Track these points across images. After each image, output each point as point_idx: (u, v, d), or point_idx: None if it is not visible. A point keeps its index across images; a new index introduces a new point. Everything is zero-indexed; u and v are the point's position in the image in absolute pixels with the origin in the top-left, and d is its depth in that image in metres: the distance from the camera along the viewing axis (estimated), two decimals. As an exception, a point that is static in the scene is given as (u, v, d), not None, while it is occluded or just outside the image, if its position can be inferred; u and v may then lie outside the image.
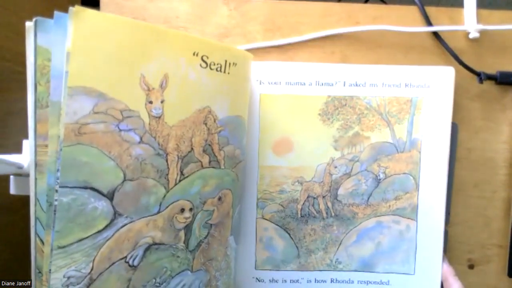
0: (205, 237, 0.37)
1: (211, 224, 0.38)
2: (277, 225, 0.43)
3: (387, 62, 0.44)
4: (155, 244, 0.34)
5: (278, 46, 0.45)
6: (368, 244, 0.43)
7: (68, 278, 0.29)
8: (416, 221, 0.43)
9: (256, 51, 0.44)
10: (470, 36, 0.44)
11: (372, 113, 0.42)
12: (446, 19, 0.45)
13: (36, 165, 0.31)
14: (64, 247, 0.29)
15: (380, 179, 0.43)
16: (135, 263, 0.32)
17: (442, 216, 0.42)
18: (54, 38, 0.30)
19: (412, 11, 0.45)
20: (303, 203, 0.43)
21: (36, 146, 0.31)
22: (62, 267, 0.29)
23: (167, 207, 0.34)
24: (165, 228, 0.34)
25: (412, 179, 0.43)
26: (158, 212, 0.33)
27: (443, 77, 0.42)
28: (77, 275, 0.29)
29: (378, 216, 0.43)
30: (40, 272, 0.31)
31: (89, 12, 0.29)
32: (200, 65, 0.35)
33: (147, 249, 0.33)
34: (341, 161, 0.43)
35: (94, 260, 0.30)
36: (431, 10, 0.44)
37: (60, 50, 0.30)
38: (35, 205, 0.31)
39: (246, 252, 0.43)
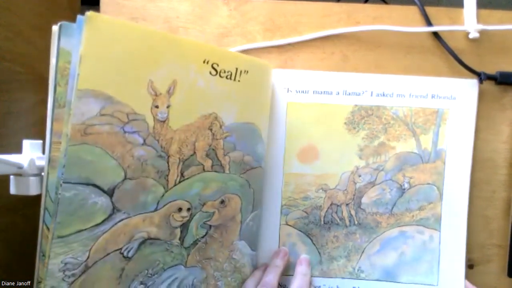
0: (203, 237, 0.38)
1: (210, 225, 0.39)
2: (300, 231, 0.43)
3: (387, 62, 0.44)
4: (150, 238, 0.35)
5: (278, 46, 0.45)
6: (391, 253, 0.43)
7: (65, 264, 0.31)
8: (440, 231, 0.43)
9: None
10: (470, 36, 0.44)
11: (398, 123, 0.43)
12: (446, 19, 0.45)
13: (50, 160, 0.33)
14: (63, 237, 0.31)
15: (404, 189, 0.43)
16: (130, 254, 0.34)
17: (464, 227, 0.43)
18: (76, 41, 0.31)
19: (412, 11, 0.45)
20: (326, 210, 0.43)
21: (51, 143, 0.33)
22: (60, 254, 0.31)
23: (164, 205, 0.35)
24: (161, 225, 0.35)
25: (436, 190, 0.43)
26: (155, 209, 0.35)
27: (468, 89, 0.43)
28: (74, 262, 0.31)
29: (402, 226, 0.43)
30: (43, 256, 0.33)
31: (102, 17, 0.31)
32: (210, 72, 0.36)
33: (142, 242, 0.35)
34: (366, 170, 0.43)
35: (90, 249, 0.32)
36: (431, 10, 0.44)
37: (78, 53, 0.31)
38: (46, 196, 0.33)
39: (268, 257, 0.43)
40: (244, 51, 0.44)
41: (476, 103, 0.43)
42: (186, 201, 0.36)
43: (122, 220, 0.33)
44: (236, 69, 0.38)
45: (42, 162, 0.36)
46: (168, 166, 0.35)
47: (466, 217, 0.43)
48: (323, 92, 0.43)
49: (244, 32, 0.45)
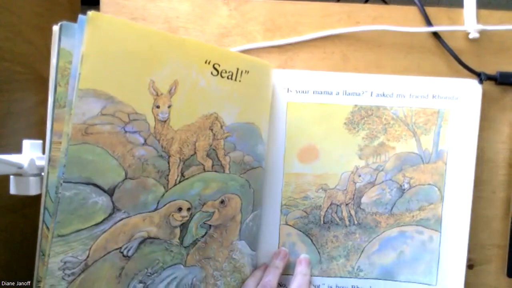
0: (202, 236, 0.38)
1: (210, 225, 0.39)
2: (300, 231, 0.43)
3: (387, 62, 0.44)
4: (150, 238, 0.35)
5: (278, 46, 0.45)
6: (390, 253, 0.43)
7: (65, 263, 0.31)
8: (440, 232, 0.43)
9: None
10: (470, 36, 0.44)
11: (398, 124, 0.43)
12: (446, 19, 0.45)
13: (50, 160, 0.33)
14: (63, 236, 0.31)
15: (404, 189, 0.43)
16: (129, 253, 0.34)
17: (467, 229, 0.43)
18: (77, 41, 0.31)
19: (412, 11, 0.45)
20: (326, 210, 0.43)
21: (51, 143, 0.33)
22: (60, 253, 0.31)
23: (164, 205, 0.35)
24: (161, 224, 0.36)
25: (437, 190, 0.43)
26: (156, 209, 0.35)
27: (470, 89, 0.42)
28: (73, 261, 0.31)
29: (401, 226, 0.43)
30: (43, 255, 0.34)
31: (103, 17, 0.31)
32: (211, 72, 0.37)
33: (142, 242, 0.35)
34: (366, 170, 0.43)
35: (90, 248, 0.32)
36: (431, 10, 0.44)
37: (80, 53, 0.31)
38: (45, 196, 0.34)
39: (268, 257, 0.43)
40: (244, 51, 0.44)
41: (479, 103, 0.43)
42: (186, 201, 0.37)
43: (122, 219, 0.33)
44: (237, 69, 0.38)
45: (42, 162, 0.36)
46: (169, 166, 0.35)
47: (469, 219, 0.43)
48: (323, 92, 0.43)
49: (244, 32, 0.45)
